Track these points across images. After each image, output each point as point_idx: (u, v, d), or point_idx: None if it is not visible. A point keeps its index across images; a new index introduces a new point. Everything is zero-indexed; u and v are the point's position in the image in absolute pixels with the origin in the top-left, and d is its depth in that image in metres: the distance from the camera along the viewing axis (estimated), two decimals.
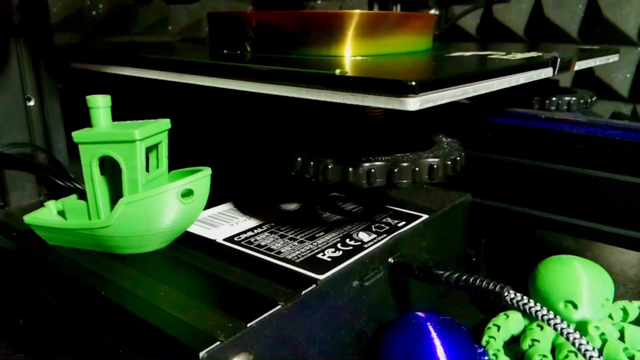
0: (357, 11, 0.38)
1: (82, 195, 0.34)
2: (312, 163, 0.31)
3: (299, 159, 0.32)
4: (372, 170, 0.30)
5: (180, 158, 0.37)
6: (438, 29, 0.82)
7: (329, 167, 0.31)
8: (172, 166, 0.35)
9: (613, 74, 0.81)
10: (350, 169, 0.30)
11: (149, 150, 0.33)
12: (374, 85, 0.26)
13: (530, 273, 0.40)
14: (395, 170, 0.30)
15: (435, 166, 0.31)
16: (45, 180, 0.42)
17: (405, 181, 0.30)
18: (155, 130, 0.32)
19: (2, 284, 0.37)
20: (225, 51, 0.44)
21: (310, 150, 0.33)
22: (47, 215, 0.34)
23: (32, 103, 0.41)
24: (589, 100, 0.52)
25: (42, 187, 0.43)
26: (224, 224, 0.37)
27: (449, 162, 0.32)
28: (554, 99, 0.50)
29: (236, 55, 0.41)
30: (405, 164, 0.30)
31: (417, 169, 0.31)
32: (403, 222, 0.37)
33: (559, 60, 0.39)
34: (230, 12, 0.45)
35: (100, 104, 0.32)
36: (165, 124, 0.33)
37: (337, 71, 0.28)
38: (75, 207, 0.33)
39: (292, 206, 0.40)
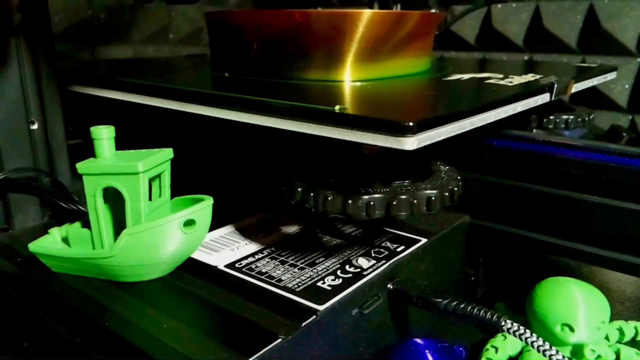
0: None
1: (86, 223, 0.35)
2: (312, 194, 0.32)
3: (299, 189, 0.33)
4: (371, 203, 0.31)
5: (181, 177, 0.37)
6: (438, 28, 0.82)
7: (329, 199, 0.31)
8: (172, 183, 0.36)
9: (612, 84, 0.81)
10: (349, 202, 0.31)
11: (151, 179, 0.33)
12: (372, 124, 0.27)
13: (528, 294, 0.40)
14: (394, 202, 0.31)
15: (433, 198, 0.31)
16: (49, 203, 0.43)
17: (403, 213, 0.31)
18: (158, 161, 0.33)
19: (8, 308, 0.37)
20: (226, 74, 0.45)
21: (310, 179, 0.34)
22: (51, 243, 0.35)
23: (35, 127, 0.42)
24: (587, 119, 0.53)
25: (46, 209, 0.43)
26: (225, 249, 0.37)
27: (447, 194, 0.32)
28: (551, 117, 0.51)
29: (237, 80, 0.42)
30: (403, 197, 0.31)
31: (415, 201, 0.31)
32: (402, 247, 0.37)
33: (555, 86, 0.39)
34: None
35: (104, 136, 0.32)
36: (167, 153, 0.34)
37: (337, 108, 0.29)
38: (79, 236, 0.34)
39: (292, 229, 0.41)
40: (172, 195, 0.36)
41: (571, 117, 0.52)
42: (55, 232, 0.35)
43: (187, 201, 0.35)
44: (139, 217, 0.32)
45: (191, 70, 0.53)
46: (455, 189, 0.33)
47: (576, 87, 0.44)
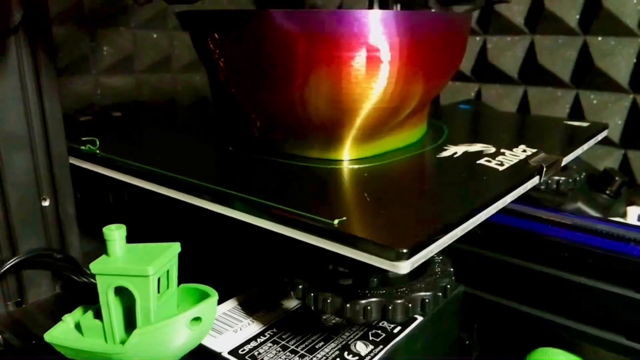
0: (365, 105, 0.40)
1: (98, 313, 0.36)
2: (311, 294, 0.34)
3: (299, 286, 0.35)
4: (369, 308, 0.33)
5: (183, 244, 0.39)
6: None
7: (327, 301, 0.33)
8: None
9: (604, 121, 0.83)
10: (347, 306, 0.33)
11: (160, 275, 0.35)
12: (369, 245, 0.29)
13: None
14: (390, 307, 0.33)
15: (427, 300, 0.33)
16: (61, 275, 0.45)
17: (399, 317, 0.33)
18: (167, 259, 0.35)
19: None
20: (230, 148, 0.46)
21: (310, 275, 0.36)
22: (65, 333, 0.37)
23: (47, 203, 0.44)
24: (578, 179, 0.54)
25: (57, 280, 0.45)
26: (229, 330, 0.39)
27: (440, 293, 0.34)
28: (543, 178, 0.53)
29: (240, 157, 0.44)
30: (398, 301, 0.33)
31: (410, 305, 0.33)
32: (399, 328, 0.39)
33: (544, 169, 0.41)
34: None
35: (115, 237, 0.34)
36: (175, 248, 0.36)
37: (336, 222, 0.30)
38: (91, 327, 0.36)
39: (293, 303, 0.42)
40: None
41: (562, 178, 0.54)
42: (69, 320, 0.37)
43: (192, 291, 0.37)
44: (149, 316, 0.34)
45: (192, 140, 0.54)
46: (448, 286, 0.35)
47: (566, 160, 0.46)
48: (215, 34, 0.41)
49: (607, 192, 0.70)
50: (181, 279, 0.37)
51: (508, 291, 0.44)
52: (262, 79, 0.40)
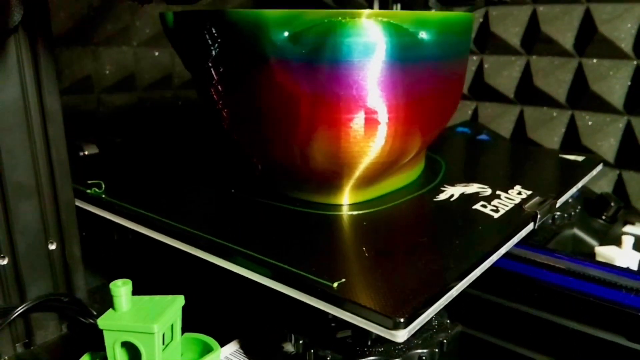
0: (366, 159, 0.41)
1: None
2: (311, 351, 0.35)
3: (300, 342, 0.36)
4: None
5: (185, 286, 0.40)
6: None
7: (327, 359, 0.34)
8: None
9: (599, 142, 0.84)
10: None
11: (165, 330, 0.36)
12: (366, 312, 0.30)
13: None
14: None
15: (424, 358, 0.34)
16: (67, 317, 0.46)
17: None
18: (172, 313, 0.36)
19: None
20: (233, 190, 0.47)
21: (309, 327, 0.37)
22: None
23: (53, 247, 0.45)
24: (572, 213, 0.56)
25: (63, 320, 0.46)
26: None
27: (437, 349, 0.35)
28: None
29: (242, 201, 0.45)
30: None
31: None
32: None
33: (538, 216, 0.42)
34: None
35: (122, 293, 0.35)
36: (179, 302, 0.37)
37: (335, 285, 0.32)
38: None
39: (292, 347, 0.44)
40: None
41: (558, 213, 0.55)
42: None
43: (195, 340, 0.39)
44: None
45: (195, 179, 0.55)
46: (445, 341, 0.36)
47: (560, 201, 0.47)
48: (219, 86, 0.42)
49: (604, 217, 0.71)
50: (184, 315, 0.38)
51: (503, 333, 0.45)
52: (264, 131, 0.41)
